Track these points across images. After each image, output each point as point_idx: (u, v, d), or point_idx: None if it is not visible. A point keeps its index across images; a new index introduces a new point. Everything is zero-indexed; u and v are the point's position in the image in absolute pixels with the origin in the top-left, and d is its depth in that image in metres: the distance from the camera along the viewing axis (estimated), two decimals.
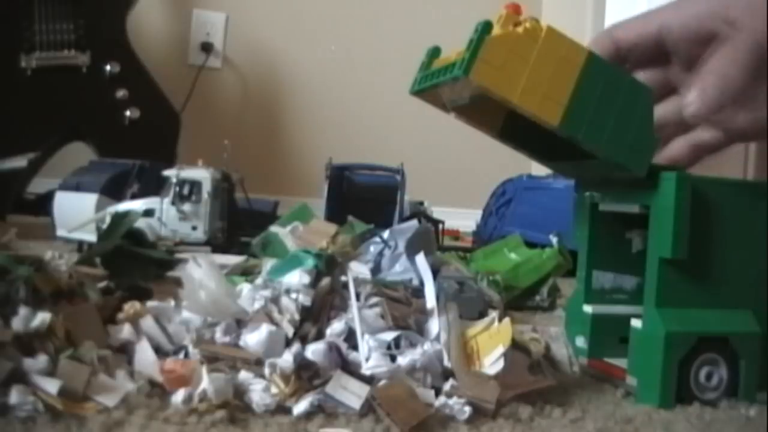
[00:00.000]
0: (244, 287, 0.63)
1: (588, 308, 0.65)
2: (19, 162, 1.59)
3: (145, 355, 0.53)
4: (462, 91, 0.56)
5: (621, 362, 0.61)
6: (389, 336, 0.56)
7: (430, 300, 0.63)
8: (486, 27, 0.51)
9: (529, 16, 0.53)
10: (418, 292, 0.69)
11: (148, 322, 0.56)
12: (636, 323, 0.58)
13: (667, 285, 0.56)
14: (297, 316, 0.57)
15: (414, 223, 1.01)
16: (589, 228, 0.65)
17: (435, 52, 0.58)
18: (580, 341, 0.65)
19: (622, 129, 0.54)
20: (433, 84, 0.55)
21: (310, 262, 0.62)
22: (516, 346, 0.57)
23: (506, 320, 0.58)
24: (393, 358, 0.54)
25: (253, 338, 0.54)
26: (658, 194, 0.56)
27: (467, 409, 0.49)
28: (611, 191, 0.62)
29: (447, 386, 0.52)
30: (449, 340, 0.56)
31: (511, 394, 0.52)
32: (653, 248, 0.57)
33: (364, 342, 0.55)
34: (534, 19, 0.53)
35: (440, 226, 1.52)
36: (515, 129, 0.59)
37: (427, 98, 0.59)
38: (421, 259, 0.75)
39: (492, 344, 0.56)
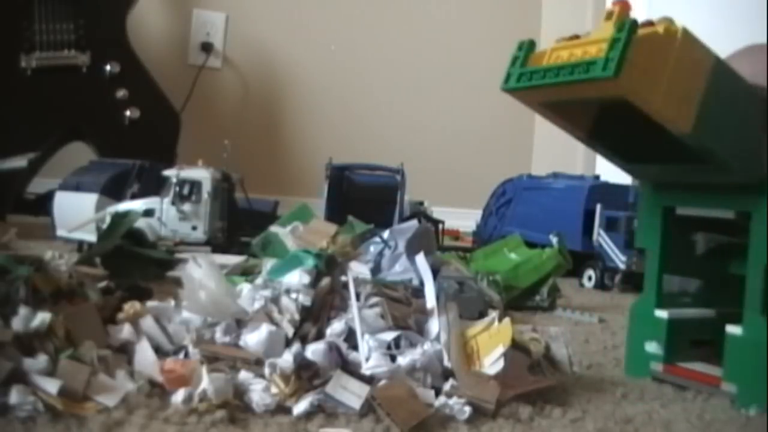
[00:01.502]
0: (244, 287, 0.63)
1: (662, 313, 0.64)
2: (19, 162, 1.59)
3: (145, 355, 0.53)
4: (588, 92, 0.53)
5: (698, 367, 0.61)
6: (389, 336, 0.56)
7: (430, 300, 0.63)
8: (633, 26, 0.49)
9: (661, 17, 0.51)
10: (418, 292, 0.69)
11: (148, 322, 0.56)
12: (733, 330, 0.58)
13: None
14: (297, 316, 0.57)
15: (414, 223, 1.01)
16: (661, 232, 0.65)
17: (531, 46, 0.56)
18: (652, 347, 0.64)
19: (741, 135, 0.54)
20: (550, 83, 0.53)
21: (310, 262, 0.62)
22: (516, 346, 0.57)
23: (506, 320, 0.58)
24: (393, 358, 0.54)
25: (253, 338, 0.54)
26: (764, 200, 0.56)
27: (467, 409, 0.49)
28: (699, 196, 0.61)
29: (447, 386, 0.52)
30: (449, 340, 0.56)
31: (511, 394, 0.52)
32: (756, 255, 0.57)
33: (364, 342, 0.55)
34: (668, 18, 0.51)
35: (440, 226, 1.52)
36: (606, 130, 0.59)
37: (520, 96, 0.57)
38: (421, 259, 0.75)
39: (492, 344, 0.56)
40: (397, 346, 0.56)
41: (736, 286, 0.61)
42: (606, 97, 0.52)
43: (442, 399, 0.50)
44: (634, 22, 0.49)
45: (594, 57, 0.49)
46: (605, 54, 0.48)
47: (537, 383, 0.55)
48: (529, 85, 0.54)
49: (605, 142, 0.60)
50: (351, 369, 0.51)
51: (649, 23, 0.50)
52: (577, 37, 0.53)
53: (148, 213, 1.15)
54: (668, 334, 0.64)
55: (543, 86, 0.53)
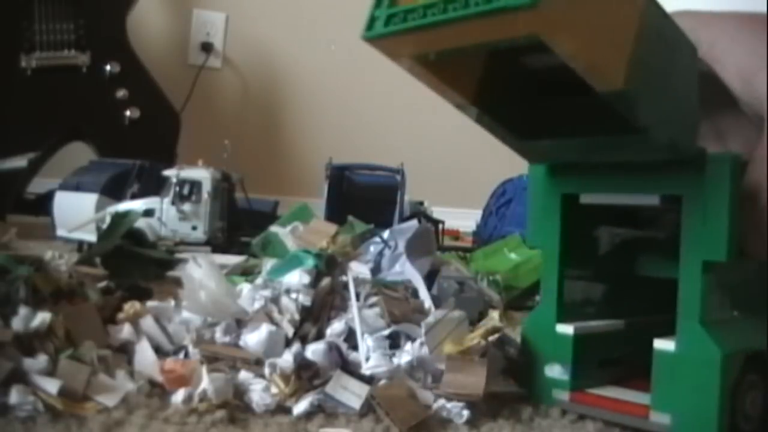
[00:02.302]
0: (244, 287, 0.63)
1: (566, 328, 0.51)
2: (19, 162, 1.59)
3: (145, 355, 0.53)
4: (486, 34, 0.37)
5: (614, 393, 0.50)
6: (387, 331, 0.56)
7: (426, 299, 0.63)
8: None
9: None
10: (418, 292, 0.69)
11: (148, 322, 0.56)
12: (663, 345, 0.46)
13: (712, 295, 0.45)
14: (297, 316, 0.57)
15: (414, 223, 1.01)
16: (560, 227, 0.51)
17: None
18: (555, 371, 0.51)
19: (676, 96, 0.43)
20: (434, 22, 0.37)
21: (310, 262, 0.62)
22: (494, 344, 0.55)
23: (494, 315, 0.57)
24: (393, 354, 0.54)
25: (253, 338, 0.54)
26: (702, 181, 0.44)
27: (465, 413, 0.49)
28: (612, 180, 0.49)
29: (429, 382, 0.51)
30: (433, 333, 0.55)
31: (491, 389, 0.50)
32: (692, 250, 0.45)
33: (364, 342, 0.55)
34: None
35: (440, 226, 1.52)
36: (491, 95, 0.45)
37: (388, 46, 0.42)
38: (409, 266, 0.74)
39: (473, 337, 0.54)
40: (396, 345, 0.56)
41: (643, 290, 0.51)
42: (508, 41, 0.37)
43: (440, 402, 0.50)
44: None
45: None
46: None
47: (506, 388, 0.52)
48: (402, 28, 0.40)
49: (490, 110, 0.45)
50: (351, 369, 0.51)
51: None
52: None
53: (148, 213, 1.15)
54: (575, 355, 0.50)
55: (420, 30, 0.38)
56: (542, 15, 0.34)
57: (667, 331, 0.47)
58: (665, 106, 0.42)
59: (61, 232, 1.28)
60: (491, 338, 0.54)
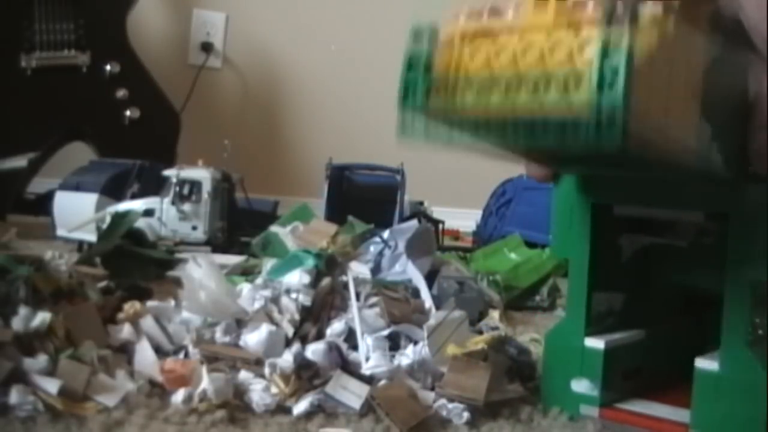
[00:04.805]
0: (244, 287, 0.63)
1: (596, 343, 0.49)
2: (19, 162, 1.59)
3: (145, 355, 0.53)
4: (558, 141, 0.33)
5: (647, 409, 0.49)
6: (387, 332, 0.56)
7: (428, 299, 0.63)
8: (629, 60, 0.30)
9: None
10: (418, 292, 0.69)
11: (148, 322, 0.56)
12: (706, 365, 0.45)
13: (756, 314, 0.44)
14: (297, 316, 0.57)
15: (414, 223, 1.01)
16: (591, 237, 0.49)
17: (433, 38, 0.37)
18: (583, 386, 0.49)
19: (732, 124, 0.40)
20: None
21: (310, 262, 0.62)
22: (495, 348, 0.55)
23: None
24: (393, 355, 0.54)
25: (253, 338, 0.54)
26: (749, 199, 0.43)
27: (465, 414, 0.48)
28: (649, 192, 0.47)
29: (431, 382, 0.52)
30: (435, 336, 0.55)
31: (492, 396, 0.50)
32: (739, 268, 0.43)
33: (364, 342, 0.55)
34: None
35: (440, 226, 1.52)
36: None
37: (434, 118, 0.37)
38: (411, 266, 0.74)
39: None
40: (397, 346, 0.56)
41: (661, 298, 0.51)
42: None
43: (440, 402, 0.50)
44: (632, 15, 0.29)
45: (564, 70, 0.31)
46: (594, 99, 0.29)
47: (510, 393, 0.52)
48: (449, 107, 0.34)
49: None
50: (351, 369, 0.51)
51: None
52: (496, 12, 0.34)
53: (148, 213, 1.15)
54: (605, 370, 0.49)
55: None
56: (624, 144, 0.31)
57: (692, 339, 0.46)
58: (725, 138, 0.40)
59: (61, 232, 1.28)
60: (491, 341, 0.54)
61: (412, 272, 0.73)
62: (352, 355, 0.53)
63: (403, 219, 1.35)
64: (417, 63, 0.36)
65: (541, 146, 0.34)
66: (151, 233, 1.11)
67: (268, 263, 0.72)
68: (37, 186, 1.70)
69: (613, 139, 0.30)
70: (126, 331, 0.55)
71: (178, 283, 0.61)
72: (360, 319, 0.56)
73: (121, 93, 1.79)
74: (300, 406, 0.47)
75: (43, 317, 0.49)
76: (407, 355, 0.54)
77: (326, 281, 0.61)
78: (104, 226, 0.91)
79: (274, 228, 1.03)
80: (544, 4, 0.33)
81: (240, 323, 0.57)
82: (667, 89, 0.33)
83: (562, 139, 0.32)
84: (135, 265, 0.81)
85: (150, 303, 0.59)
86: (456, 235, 2.01)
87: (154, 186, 1.25)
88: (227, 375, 0.49)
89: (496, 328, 0.64)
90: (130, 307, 0.57)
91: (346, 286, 0.62)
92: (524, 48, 0.33)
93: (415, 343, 0.56)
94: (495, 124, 0.33)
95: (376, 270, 0.84)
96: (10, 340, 0.47)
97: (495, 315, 0.79)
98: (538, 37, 0.32)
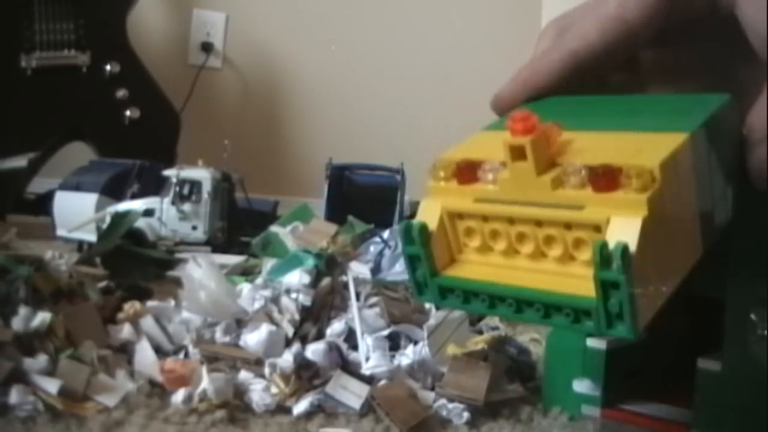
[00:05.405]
0: (244, 287, 0.63)
1: (598, 343, 0.49)
2: (19, 162, 1.59)
3: (145, 355, 0.53)
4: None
5: (648, 409, 0.48)
6: (387, 331, 0.56)
7: None
8: (629, 280, 0.28)
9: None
10: None
11: (148, 322, 0.56)
12: (708, 365, 0.44)
13: (758, 314, 0.44)
14: (297, 316, 0.57)
15: None
16: None
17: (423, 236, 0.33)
18: (585, 387, 0.50)
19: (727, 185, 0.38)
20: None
21: (310, 262, 0.62)
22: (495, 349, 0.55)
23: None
24: (393, 355, 0.54)
25: (253, 338, 0.54)
26: (753, 201, 0.39)
27: (465, 414, 0.48)
28: None
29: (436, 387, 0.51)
30: (435, 336, 0.55)
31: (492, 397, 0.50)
32: (742, 270, 0.42)
33: (364, 342, 0.55)
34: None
35: None
36: None
37: None
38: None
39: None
40: (397, 346, 0.56)
41: None
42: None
43: (440, 402, 0.50)
44: (629, 278, 0.28)
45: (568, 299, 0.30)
46: (602, 312, 0.29)
47: (509, 393, 0.52)
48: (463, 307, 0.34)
49: None
50: (351, 369, 0.51)
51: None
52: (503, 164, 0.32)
53: (148, 213, 1.15)
54: (607, 370, 0.49)
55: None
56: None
57: (694, 339, 0.45)
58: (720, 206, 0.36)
59: (61, 232, 1.28)
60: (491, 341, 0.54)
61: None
62: (352, 355, 0.53)
63: (403, 219, 1.35)
64: (418, 262, 0.35)
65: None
66: (151, 233, 1.11)
67: (268, 263, 0.72)
68: (37, 186, 1.70)
69: (624, 333, 0.29)
70: (126, 331, 0.55)
71: (178, 283, 0.61)
72: (360, 319, 0.56)
73: (121, 93, 1.79)
74: (300, 406, 0.47)
75: (43, 317, 0.49)
76: (407, 355, 0.54)
77: (326, 281, 0.61)
78: (104, 226, 0.91)
79: (274, 228, 1.02)
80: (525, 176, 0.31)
81: (240, 323, 0.57)
82: (664, 255, 0.31)
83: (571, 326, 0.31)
84: (135, 265, 0.81)
85: (150, 303, 0.59)
86: None
87: (154, 186, 1.25)
88: (227, 375, 0.49)
89: (496, 328, 0.64)
90: (130, 307, 0.57)
91: (346, 286, 0.62)
92: (519, 237, 0.32)
93: (415, 343, 0.56)
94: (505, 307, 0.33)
95: (376, 270, 0.84)
96: (10, 340, 0.47)
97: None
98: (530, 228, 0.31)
